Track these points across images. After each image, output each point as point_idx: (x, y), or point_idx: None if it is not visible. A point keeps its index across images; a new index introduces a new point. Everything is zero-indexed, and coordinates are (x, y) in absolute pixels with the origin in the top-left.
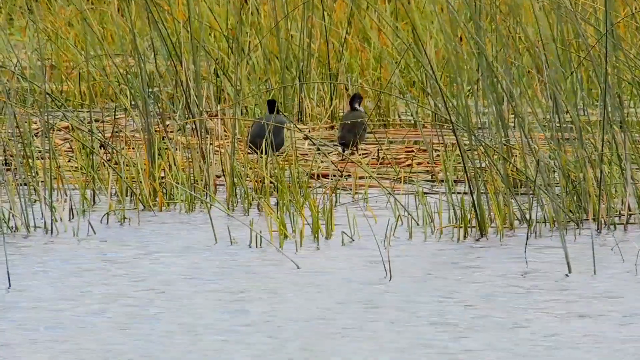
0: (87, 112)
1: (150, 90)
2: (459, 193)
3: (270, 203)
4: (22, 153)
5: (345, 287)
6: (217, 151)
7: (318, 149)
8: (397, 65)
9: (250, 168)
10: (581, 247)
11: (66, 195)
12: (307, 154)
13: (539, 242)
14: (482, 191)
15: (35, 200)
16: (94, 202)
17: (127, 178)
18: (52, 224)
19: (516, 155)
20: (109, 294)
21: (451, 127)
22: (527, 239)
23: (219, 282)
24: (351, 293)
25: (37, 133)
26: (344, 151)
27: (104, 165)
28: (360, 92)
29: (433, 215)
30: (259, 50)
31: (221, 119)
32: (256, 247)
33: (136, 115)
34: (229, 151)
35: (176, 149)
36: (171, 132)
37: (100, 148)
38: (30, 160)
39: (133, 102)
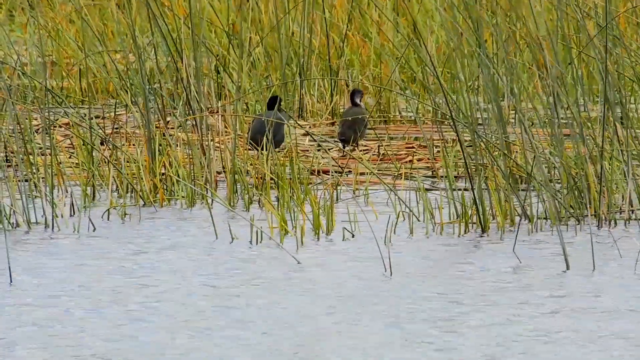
0: (88, 108)
1: (150, 87)
2: (459, 189)
3: (271, 199)
4: (22, 149)
5: (345, 283)
6: (218, 147)
7: (319, 145)
8: (398, 62)
9: (251, 164)
10: (581, 244)
11: (67, 192)
12: (307, 150)
13: (539, 238)
14: (483, 187)
15: (36, 197)
16: (95, 199)
17: (127, 174)
18: (52, 220)
19: (517, 152)
20: (109, 290)
21: (451, 123)
22: (528, 234)
23: (219, 278)
24: (351, 289)
25: (38, 129)
26: (344, 147)
27: (105, 162)
28: (360, 87)
29: (434, 211)
30: (259, 47)
31: (222, 116)
32: (257, 243)
33: (137, 112)
34: (230, 147)
35: (177, 145)
36: (172, 128)
37: (101, 144)
38: (31, 157)
39: (133, 99)
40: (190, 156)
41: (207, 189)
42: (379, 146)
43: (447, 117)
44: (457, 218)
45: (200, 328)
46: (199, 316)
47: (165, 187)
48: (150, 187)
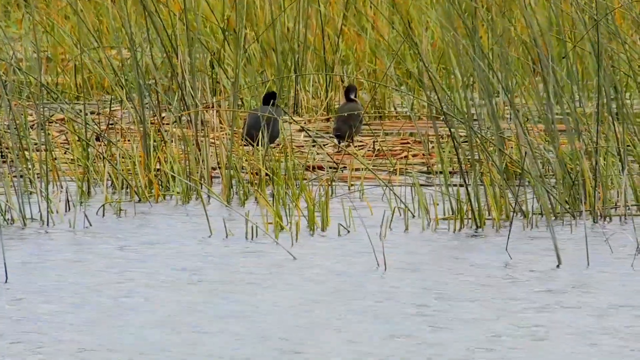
0: (83, 104)
1: (145, 82)
2: (454, 185)
3: (266, 195)
4: (18, 145)
5: (338, 278)
6: (213, 143)
7: (314, 141)
8: (393, 58)
9: (246, 160)
10: (576, 239)
11: (62, 188)
12: (302, 146)
13: (534, 234)
14: (478, 183)
15: (32, 192)
16: (90, 195)
17: (122, 170)
18: (48, 215)
19: (512, 147)
20: (104, 285)
21: (444, 120)
22: (523, 230)
23: (213, 273)
24: (344, 284)
25: (33, 125)
26: (339, 143)
27: (100, 158)
28: (355, 83)
29: (429, 207)
30: (255, 43)
31: (217, 111)
32: (252, 239)
33: (132, 108)
34: (225, 143)
35: (172, 141)
36: (167, 124)
37: (96, 140)
38: (26, 153)
39: (128, 95)
40: (186, 152)
41: (202, 184)
42: (374, 142)
43: (441, 113)
44: (452, 214)
45: (192, 322)
46: (191, 310)
47: (160, 183)
48: (145, 182)
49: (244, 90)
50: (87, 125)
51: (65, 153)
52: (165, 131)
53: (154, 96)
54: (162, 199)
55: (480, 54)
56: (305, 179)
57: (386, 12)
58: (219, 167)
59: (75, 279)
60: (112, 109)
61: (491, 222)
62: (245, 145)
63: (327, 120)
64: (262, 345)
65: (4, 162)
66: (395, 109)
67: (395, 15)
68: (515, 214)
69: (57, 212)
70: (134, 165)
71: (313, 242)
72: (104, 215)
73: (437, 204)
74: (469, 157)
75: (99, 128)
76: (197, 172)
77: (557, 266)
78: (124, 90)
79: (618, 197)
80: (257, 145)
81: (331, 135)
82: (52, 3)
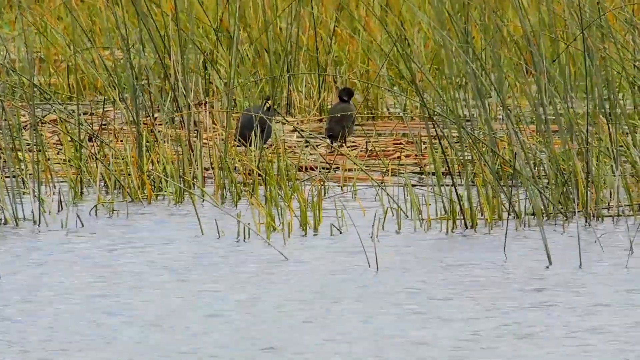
0: (76, 105)
1: (138, 83)
2: (447, 185)
3: (259, 195)
4: (10, 146)
5: (329, 278)
6: (206, 144)
7: (306, 142)
8: (385, 59)
9: (239, 161)
10: (568, 239)
11: (55, 188)
12: (295, 147)
13: (526, 234)
14: (470, 184)
15: (24, 193)
16: (82, 195)
17: (115, 171)
18: (40, 216)
19: (504, 148)
20: (97, 285)
21: (436, 120)
22: (516, 230)
23: (205, 273)
24: (334, 284)
25: (26, 126)
26: (332, 143)
27: (93, 158)
28: (348, 84)
29: (421, 207)
30: (247, 44)
31: (209, 112)
32: (244, 239)
33: (124, 108)
34: (218, 143)
35: (165, 141)
36: (160, 124)
37: (89, 141)
38: (19, 153)
39: (121, 95)
40: (180, 152)
41: (194, 185)
42: (366, 142)
43: (433, 114)
44: (444, 214)
45: (183, 323)
46: (182, 311)
47: (152, 184)
48: (137, 183)
49: (237, 91)
50: (80, 126)
51: (58, 153)
52: (159, 132)
53: (147, 97)
54: (155, 199)
55: (472, 55)
56: (298, 180)
57: (378, 13)
58: (212, 168)
59: (67, 279)
60: (105, 109)
61: (483, 222)
62: (238, 145)
63: (320, 120)
64: (253, 346)
65: None
66: (387, 109)
67: (388, 17)
68: (508, 214)
69: (49, 212)
70: (127, 165)
71: (305, 242)
72: (96, 215)
73: (430, 205)
74: (461, 157)
75: (92, 129)
76: (190, 173)
77: (547, 267)
78: (117, 90)
79: (610, 197)
80: (250, 145)
81: (324, 135)
82: (45, 4)
